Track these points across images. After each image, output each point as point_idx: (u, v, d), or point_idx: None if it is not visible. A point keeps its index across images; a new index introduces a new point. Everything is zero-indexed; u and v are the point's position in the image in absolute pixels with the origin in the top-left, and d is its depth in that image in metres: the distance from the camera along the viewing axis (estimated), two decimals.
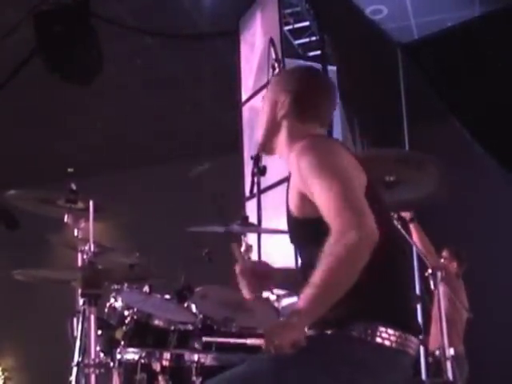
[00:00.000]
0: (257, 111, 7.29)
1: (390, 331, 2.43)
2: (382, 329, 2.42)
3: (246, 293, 2.87)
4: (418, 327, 2.59)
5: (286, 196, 2.72)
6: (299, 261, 2.86)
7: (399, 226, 4.63)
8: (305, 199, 2.52)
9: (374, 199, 2.49)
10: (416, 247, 5.53)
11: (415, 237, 6.23)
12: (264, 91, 3.93)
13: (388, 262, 2.45)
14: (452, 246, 6.97)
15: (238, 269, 2.89)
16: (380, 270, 2.35)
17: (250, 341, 3.56)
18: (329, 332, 2.46)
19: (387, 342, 2.42)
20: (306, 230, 2.60)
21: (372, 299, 2.43)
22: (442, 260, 6.78)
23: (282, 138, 2.81)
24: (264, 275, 2.93)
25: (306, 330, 2.36)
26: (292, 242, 2.81)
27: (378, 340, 2.41)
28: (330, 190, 2.37)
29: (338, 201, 2.34)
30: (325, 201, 2.39)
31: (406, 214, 6.11)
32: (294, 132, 2.78)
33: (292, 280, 3.02)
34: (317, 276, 2.26)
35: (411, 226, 6.25)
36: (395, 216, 5.18)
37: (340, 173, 2.45)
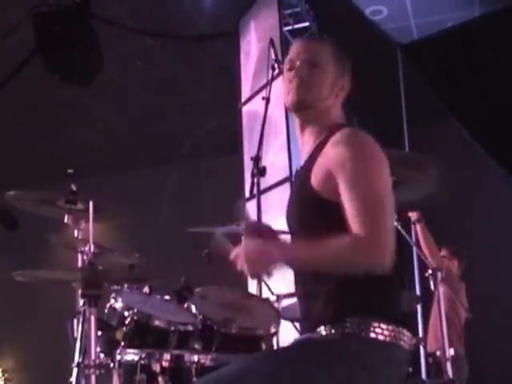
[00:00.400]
0: (256, 114, 7.30)
1: (384, 325, 2.45)
2: (376, 323, 2.44)
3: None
4: (410, 323, 2.60)
5: (302, 171, 2.71)
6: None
7: (399, 227, 4.63)
8: (332, 182, 2.51)
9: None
10: (416, 248, 5.53)
11: (420, 238, 6.22)
12: (263, 92, 3.93)
13: None
14: (451, 245, 6.96)
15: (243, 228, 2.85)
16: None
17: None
18: (323, 330, 2.46)
19: (381, 337, 2.44)
20: (320, 208, 2.57)
21: (364, 295, 2.46)
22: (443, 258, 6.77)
23: (324, 110, 2.79)
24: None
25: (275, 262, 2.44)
26: (297, 216, 2.77)
27: (372, 335, 2.43)
28: (367, 200, 2.41)
29: (370, 216, 2.38)
30: (357, 206, 2.41)
31: (413, 214, 6.11)
32: (336, 114, 2.83)
33: None
34: (314, 246, 2.38)
35: (417, 227, 6.23)
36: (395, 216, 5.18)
37: (381, 187, 2.48)
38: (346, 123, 2.80)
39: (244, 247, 2.45)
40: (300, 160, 2.89)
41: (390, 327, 2.45)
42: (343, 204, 2.45)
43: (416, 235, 6.30)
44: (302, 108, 2.78)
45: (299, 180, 2.74)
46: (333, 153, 2.56)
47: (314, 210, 2.62)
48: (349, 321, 2.43)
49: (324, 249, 2.36)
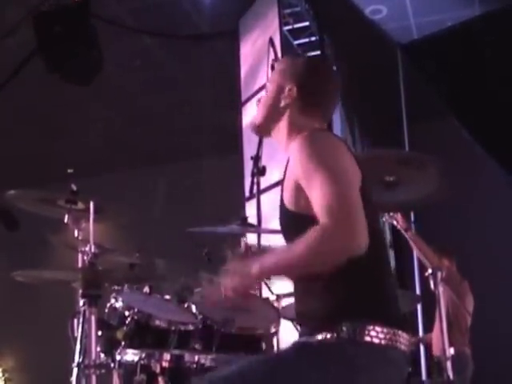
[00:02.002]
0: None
1: (378, 328, 2.44)
2: (370, 327, 2.43)
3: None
4: (406, 324, 2.60)
5: (281, 186, 2.71)
6: None
7: (399, 227, 4.62)
8: (300, 192, 2.51)
9: (366, 198, 2.49)
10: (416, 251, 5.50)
11: (412, 246, 6.08)
12: (263, 92, 3.93)
13: (373, 261, 2.45)
14: (435, 246, 6.80)
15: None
16: (365, 269, 2.38)
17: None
18: (318, 335, 2.47)
19: (376, 340, 2.43)
20: (297, 224, 2.56)
21: (358, 298, 2.46)
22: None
23: (282, 124, 2.79)
24: None
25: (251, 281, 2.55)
26: (283, 234, 2.79)
27: (367, 338, 2.43)
28: (327, 188, 2.38)
29: (332, 200, 2.36)
30: (319, 197, 2.40)
31: (399, 222, 5.86)
32: (295, 122, 2.77)
33: None
34: (287, 249, 2.49)
35: (408, 236, 6.03)
36: (390, 215, 5.18)
37: (340, 173, 2.45)
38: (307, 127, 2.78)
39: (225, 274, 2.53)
40: None
41: (385, 330, 2.44)
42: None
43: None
44: (259, 131, 2.94)
45: (279, 201, 2.74)
46: (293, 162, 2.59)
47: (294, 228, 2.60)
48: (344, 325, 2.42)
49: (295, 249, 2.38)
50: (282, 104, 2.78)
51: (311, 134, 2.62)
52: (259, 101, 2.88)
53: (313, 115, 2.79)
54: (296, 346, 2.55)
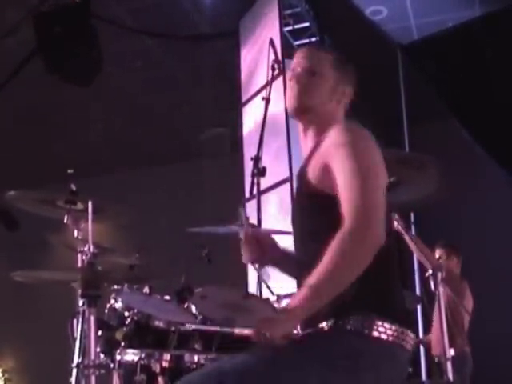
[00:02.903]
0: (256, 114, 7.29)
1: (387, 325, 2.44)
2: (379, 322, 2.44)
3: (245, 258, 2.95)
4: (412, 324, 2.62)
5: (301, 170, 2.75)
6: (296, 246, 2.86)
7: (400, 227, 4.62)
8: (328, 173, 2.54)
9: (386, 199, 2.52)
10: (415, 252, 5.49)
11: (412, 248, 6.00)
12: (264, 92, 3.93)
13: (385, 258, 2.45)
14: (445, 242, 6.79)
15: (242, 233, 2.93)
16: (377, 265, 2.36)
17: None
18: (325, 327, 2.46)
19: (384, 336, 2.43)
20: (317, 202, 2.61)
21: (368, 293, 2.45)
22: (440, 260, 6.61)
23: (324, 112, 2.84)
24: (266, 245, 2.95)
25: (297, 324, 2.41)
26: (295, 216, 2.82)
27: (375, 333, 2.43)
28: (356, 181, 2.42)
29: (358, 191, 2.40)
30: (347, 189, 2.44)
31: (398, 223, 5.77)
32: (336, 116, 2.85)
33: (289, 262, 3.01)
34: (315, 276, 2.32)
35: (407, 237, 5.96)
36: (396, 217, 5.16)
37: (370, 168, 2.50)
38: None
39: (257, 324, 2.42)
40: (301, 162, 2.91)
41: (394, 327, 2.45)
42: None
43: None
44: (301, 112, 2.86)
45: (298, 179, 2.79)
46: (325, 146, 2.63)
47: (314, 206, 2.65)
48: (352, 318, 2.43)
49: (327, 264, 2.32)
50: (335, 99, 2.86)
51: (351, 125, 2.69)
52: (300, 81, 2.86)
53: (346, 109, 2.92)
54: (301, 339, 2.54)
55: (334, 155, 2.53)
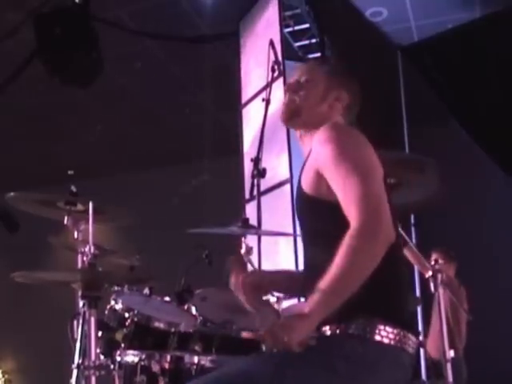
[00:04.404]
0: (255, 116, 7.29)
1: (389, 329, 2.44)
2: (381, 326, 2.43)
3: (246, 304, 2.88)
4: (415, 327, 2.61)
5: (299, 176, 2.74)
6: (303, 253, 2.86)
7: (400, 229, 4.62)
8: (322, 179, 2.54)
9: (386, 193, 2.52)
10: (416, 250, 5.48)
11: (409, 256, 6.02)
12: (264, 93, 3.93)
13: (388, 260, 2.43)
14: (442, 248, 6.79)
15: (232, 285, 2.90)
16: (380, 267, 2.34)
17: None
18: (328, 330, 2.46)
19: (386, 340, 2.43)
20: (316, 210, 2.61)
21: (371, 296, 2.41)
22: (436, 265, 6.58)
23: (316, 117, 2.83)
24: (260, 286, 2.91)
25: (312, 329, 2.38)
26: (300, 221, 2.81)
27: (377, 337, 2.42)
28: (352, 181, 2.41)
29: (358, 188, 2.39)
30: (345, 192, 2.43)
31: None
32: (331, 120, 2.82)
33: (286, 283, 3.02)
34: (328, 277, 2.30)
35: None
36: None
37: (364, 162, 2.50)
38: None
39: (271, 329, 2.38)
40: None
41: (396, 330, 2.45)
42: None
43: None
44: (291, 117, 2.88)
45: (297, 186, 2.78)
46: (314, 149, 2.63)
47: (311, 213, 2.67)
48: (354, 322, 2.43)
49: (338, 268, 2.30)
50: (326, 103, 2.85)
51: (336, 124, 2.70)
52: (290, 89, 2.89)
53: (344, 116, 2.88)
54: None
55: (326, 161, 2.52)
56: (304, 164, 2.73)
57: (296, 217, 2.86)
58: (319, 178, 2.56)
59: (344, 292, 2.30)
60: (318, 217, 2.60)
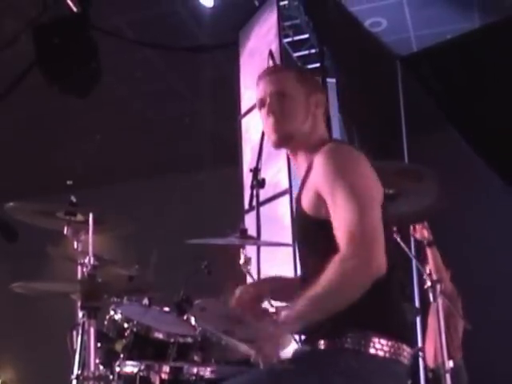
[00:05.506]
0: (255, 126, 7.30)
1: (383, 341, 2.45)
2: (375, 339, 2.44)
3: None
4: (411, 337, 2.60)
5: (297, 196, 2.74)
6: (301, 268, 2.86)
7: (399, 239, 4.62)
8: (321, 201, 2.53)
9: (384, 215, 2.51)
10: (416, 261, 5.48)
11: (430, 261, 6.08)
12: None
13: (384, 274, 2.44)
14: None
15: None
16: (375, 282, 2.35)
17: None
18: (322, 345, 2.46)
19: (381, 353, 2.43)
20: (316, 230, 2.60)
21: (364, 310, 2.41)
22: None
23: (304, 133, 2.80)
24: (259, 297, 2.93)
25: (289, 335, 2.40)
26: (299, 244, 2.81)
27: (372, 351, 2.43)
28: (349, 208, 2.40)
29: (353, 224, 2.37)
30: (341, 219, 2.42)
31: (425, 236, 5.97)
32: (320, 130, 2.83)
33: (287, 291, 3.01)
34: (310, 293, 2.32)
35: (428, 250, 6.07)
36: (395, 229, 5.16)
37: (362, 190, 2.48)
38: (330, 137, 2.83)
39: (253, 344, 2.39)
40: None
41: (390, 343, 2.45)
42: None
43: (423, 254, 6.16)
44: (285, 142, 2.82)
45: (295, 204, 2.78)
46: (315, 172, 2.60)
47: (311, 235, 2.66)
48: (349, 336, 2.43)
49: (320, 291, 2.32)
50: (310, 114, 2.81)
51: (336, 147, 2.66)
52: (272, 111, 2.80)
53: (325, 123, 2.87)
54: (299, 357, 2.55)
55: (325, 185, 2.51)
56: (302, 183, 2.72)
57: (295, 232, 2.86)
58: (319, 199, 2.55)
59: (322, 311, 2.33)
60: (317, 236, 2.59)
